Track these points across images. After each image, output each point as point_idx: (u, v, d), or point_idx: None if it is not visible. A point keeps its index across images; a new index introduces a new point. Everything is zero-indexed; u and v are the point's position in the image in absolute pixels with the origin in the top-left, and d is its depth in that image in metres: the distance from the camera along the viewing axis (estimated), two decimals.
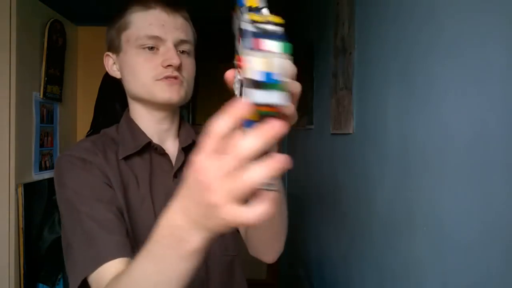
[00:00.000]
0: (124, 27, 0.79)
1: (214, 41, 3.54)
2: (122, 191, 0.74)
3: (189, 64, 0.79)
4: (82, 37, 2.28)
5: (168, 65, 0.74)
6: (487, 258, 0.64)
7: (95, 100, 2.11)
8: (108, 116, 1.92)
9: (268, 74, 0.36)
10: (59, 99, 2.01)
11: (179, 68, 0.76)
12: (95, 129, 1.96)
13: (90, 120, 2.15)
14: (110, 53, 0.83)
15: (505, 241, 0.60)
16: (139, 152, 0.79)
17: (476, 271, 0.67)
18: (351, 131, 1.32)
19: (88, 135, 1.98)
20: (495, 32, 0.63)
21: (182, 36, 0.77)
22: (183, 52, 0.78)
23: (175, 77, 0.76)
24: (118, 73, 0.82)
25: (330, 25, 1.60)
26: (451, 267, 0.74)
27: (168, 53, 0.75)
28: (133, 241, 0.69)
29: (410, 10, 0.93)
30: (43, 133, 1.88)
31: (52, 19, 1.92)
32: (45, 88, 1.86)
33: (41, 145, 1.86)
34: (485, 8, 0.66)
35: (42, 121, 1.87)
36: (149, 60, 0.76)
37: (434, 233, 0.80)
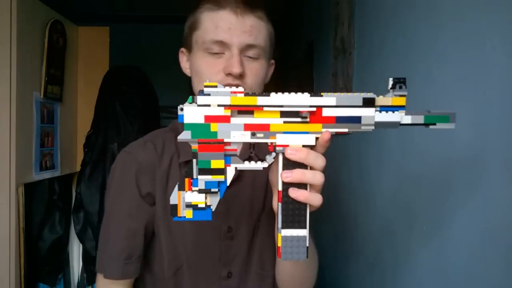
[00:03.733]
0: (195, 27, 0.75)
1: None
2: (165, 194, 0.77)
3: (256, 69, 0.74)
4: (83, 37, 2.28)
5: (229, 73, 0.71)
6: (487, 258, 0.65)
7: (95, 100, 2.11)
8: (108, 116, 1.92)
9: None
10: (59, 99, 2.01)
11: (241, 75, 0.72)
12: (95, 129, 1.96)
13: (91, 120, 2.16)
14: (184, 50, 0.81)
15: (505, 241, 0.60)
16: None
17: (476, 271, 0.67)
18: (349, 131, 1.32)
19: (88, 135, 1.98)
20: (495, 31, 0.63)
21: (249, 40, 0.72)
22: (250, 57, 0.73)
23: (236, 85, 0.72)
24: (189, 71, 0.80)
25: (330, 25, 1.60)
26: (450, 267, 0.75)
27: (230, 60, 0.71)
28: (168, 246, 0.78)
29: (409, 10, 0.93)
30: (44, 133, 1.88)
31: (53, 19, 1.92)
32: (45, 88, 1.86)
33: (42, 145, 1.86)
34: (484, 7, 0.66)
35: (42, 121, 1.87)
36: (212, 66, 0.73)
37: (433, 233, 0.81)
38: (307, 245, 0.52)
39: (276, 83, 3.46)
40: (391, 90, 0.50)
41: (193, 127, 0.49)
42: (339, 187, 1.50)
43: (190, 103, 0.49)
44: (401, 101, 0.50)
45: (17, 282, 1.66)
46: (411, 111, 0.50)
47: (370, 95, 0.50)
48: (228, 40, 0.71)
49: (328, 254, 1.64)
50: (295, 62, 2.54)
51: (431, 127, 0.51)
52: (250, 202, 0.80)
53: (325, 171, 0.51)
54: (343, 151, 1.45)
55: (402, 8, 0.97)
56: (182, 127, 0.76)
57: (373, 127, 0.50)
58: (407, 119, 0.50)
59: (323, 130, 0.50)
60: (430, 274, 0.82)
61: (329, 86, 1.59)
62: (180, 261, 0.78)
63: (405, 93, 0.49)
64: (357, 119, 0.50)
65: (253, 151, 0.55)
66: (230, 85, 0.70)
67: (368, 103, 0.50)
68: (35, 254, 1.79)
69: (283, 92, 0.50)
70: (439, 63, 0.79)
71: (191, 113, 0.49)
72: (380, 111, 0.50)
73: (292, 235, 0.51)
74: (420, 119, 0.50)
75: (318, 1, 1.89)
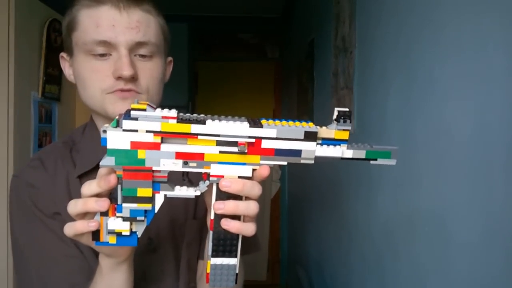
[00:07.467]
0: (72, 27, 0.66)
1: (214, 41, 3.54)
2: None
3: (149, 70, 0.67)
4: None
5: (119, 77, 0.63)
6: (489, 258, 0.64)
7: None
8: None
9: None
10: (57, 98, 2.00)
11: (134, 78, 0.64)
12: None
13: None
14: (64, 55, 0.71)
15: (506, 241, 0.60)
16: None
17: (478, 271, 0.67)
18: (351, 131, 1.31)
19: None
20: (496, 30, 0.63)
21: (138, 37, 0.64)
22: (142, 56, 0.66)
23: (129, 90, 0.65)
24: (73, 77, 0.71)
25: (330, 24, 1.59)
26: (452, 267, 0.74)
27: (119, 62, 0.63)
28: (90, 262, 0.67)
29: (410, 9, 0.93)
30: (42, 133, 1.87)
31: (51, 18, 1.91)
32: (43, 87, 1.86)
33: (40, 145, 1.85)
34: (486, 6, 0.65)
35: (40, 121, 1.86)
36: (97, 70, 0.64)
37: (435, 234, 0.80)
38: (237, 271, 0.50)
39: (277, 83, 3.45)
40: (335, 122, 0.48)
41: (117, 152, 0.44)
42: (338, 187, 1.49)
43: (115, 126, 0.44)
44: (344, 135, 0.49)
45: None
46: (353, 145, 0.49)
47: (312, 128, 0.47)
48: (113, 39, 0.63)
49: (328, 254, 1.63)
50: (296, 61, 2.53)
51: (372, 162, 0.50)
52: (170, 209, 0.72)
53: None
54: None
55: (403, 6, 0.97)
56: (76, 136, 0.67)
57: (313, 161, 0.48)
58: (349, 154, 0.49)
59: (261, 162, 0.47)
60: (431, 274, 0.81)
61: (329, 86, 1.58)
62: None
63: (349, 128, 0.48)
64: (297, 153, 0.47)
65: (186, 179, 0.50)
66: (122, 90, 0.64)
67: (310, 137, 0.47)
68: None
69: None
70: (440, 62, 0.79)
71: (115, 138, 0.44)
72: (322, 144, 0.48)
73: (222, 264, 0.50)
74: (361, 154, 0.50)
75: (319, 0, 1.88)
